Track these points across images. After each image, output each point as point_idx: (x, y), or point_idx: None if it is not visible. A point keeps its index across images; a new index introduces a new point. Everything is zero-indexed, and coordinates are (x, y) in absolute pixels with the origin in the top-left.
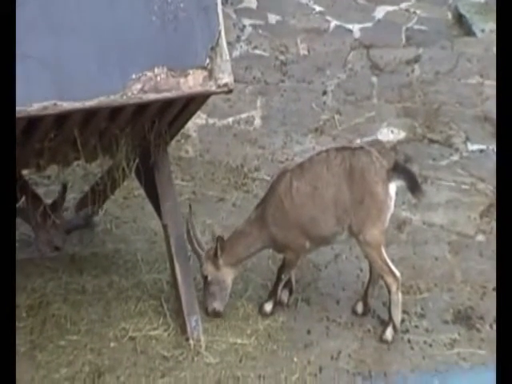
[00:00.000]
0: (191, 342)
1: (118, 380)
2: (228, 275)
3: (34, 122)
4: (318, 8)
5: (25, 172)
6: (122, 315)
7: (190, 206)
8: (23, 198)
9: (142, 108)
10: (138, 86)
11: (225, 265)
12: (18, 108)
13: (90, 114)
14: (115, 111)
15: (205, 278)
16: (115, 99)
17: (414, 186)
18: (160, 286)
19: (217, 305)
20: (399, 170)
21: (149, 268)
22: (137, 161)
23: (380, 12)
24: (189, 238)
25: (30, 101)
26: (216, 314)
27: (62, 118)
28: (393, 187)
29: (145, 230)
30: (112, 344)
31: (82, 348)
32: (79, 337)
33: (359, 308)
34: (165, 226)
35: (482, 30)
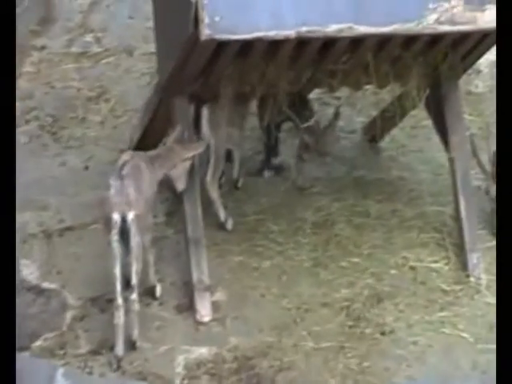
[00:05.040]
0: (472, 279)
1: (396, 307)
2: None
3: (329, 43)
4: None
5: (317, 91)
6: (403, 244)
7: (473, 141)
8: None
9: (436, 39)
10: (434, 16)
11: None
12: (314, 28)
13: (384, 41)
14: (409, 39)
15: None
16: (410, 28)
17: None
18: (443, 219)
19: None
20: None
21: (432, 200)
22: (427, 91)
23: None
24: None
25: (327, 22)
26: None
27: (357, 42)
28: None
29: (430, 161)
30: (392, 271)
31: (362, 271)
32: (361, 260)
33: None
34: (451, 159)
35: None
